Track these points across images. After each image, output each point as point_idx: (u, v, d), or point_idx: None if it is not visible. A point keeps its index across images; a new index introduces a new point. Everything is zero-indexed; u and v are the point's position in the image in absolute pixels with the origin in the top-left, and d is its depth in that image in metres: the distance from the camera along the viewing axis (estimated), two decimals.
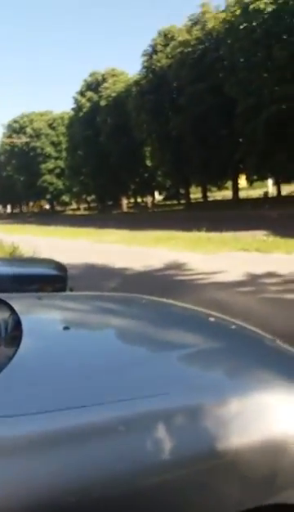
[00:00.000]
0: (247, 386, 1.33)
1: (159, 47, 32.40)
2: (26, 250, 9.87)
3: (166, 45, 31.93)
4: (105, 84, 39.80)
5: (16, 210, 74.00)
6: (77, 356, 1.55)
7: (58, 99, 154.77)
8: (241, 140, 25.29)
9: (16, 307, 1.87)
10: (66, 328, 1.71)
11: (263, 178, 31.63)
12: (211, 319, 2.13)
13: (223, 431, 1.13)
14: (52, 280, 3.91)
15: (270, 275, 7.00)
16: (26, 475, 0.97)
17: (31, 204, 68.58)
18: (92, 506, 0.98)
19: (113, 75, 41.03)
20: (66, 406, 1.13)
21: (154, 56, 32.33)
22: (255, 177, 30.06)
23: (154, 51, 32.78)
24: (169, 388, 1.28)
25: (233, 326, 2.02)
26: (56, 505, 0.95)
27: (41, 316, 2.13)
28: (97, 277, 7.78)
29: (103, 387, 1.28)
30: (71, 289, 3.94)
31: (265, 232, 12.07)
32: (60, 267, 4.38)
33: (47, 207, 66.19)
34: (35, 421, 1.07)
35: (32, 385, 1.27)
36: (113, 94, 38.10)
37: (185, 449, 1.09)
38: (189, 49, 27.89)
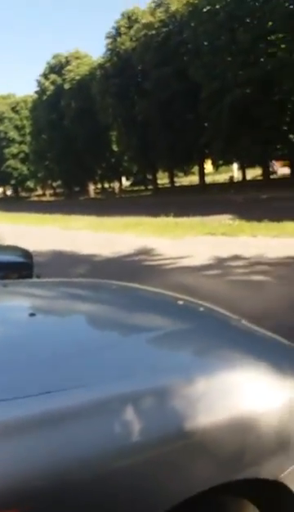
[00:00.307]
0: (214, 365, 1.35)
1: (123, 30, 32.04)
2: None
3: (130, 27, 31.59)
4: (69, 67, 39.06)
5: None
6: (43, 342, 1.54)
7: (21, 82, 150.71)
8: (206, 124, 25.40)
9: None
10: (32, 314, 1.70)
11: (228, 163, 31.94)
12: (179, 302, 2.13)
13: (191, 411, 1.14)
14: (18, 267, 3.90)
15: (236, 258, 7.12)
16: None
17: None
18: (63, 492, 0.98)
19: (77, 58, 40.28)
20: (33, 393, 1.11)
21: (118, 39, 31.97)
22: (220, 162, 30.33)
23: (118, 34, 32.39)
24: (136, 370, 1.29)
25: (201, 308, 2.03)
26: (28, 490, 0.95)
27: (6, 303, 2.10)
28: (65, 264, 7.73)
29: (70, 372, 1.27)
30: (38, 276, 3.91)
31: (230, 216, 12.24)
32: (25, 253, 4.36)
33: (9, 192, 64.88)
34: (2, 409, 1.06)
35: None
36: (77, 77, 37.49)
37: (154, 430, 1.09)
38: (153, 32, 27.74)
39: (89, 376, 1.23)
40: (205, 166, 33.06)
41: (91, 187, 44.62)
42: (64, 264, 7.69)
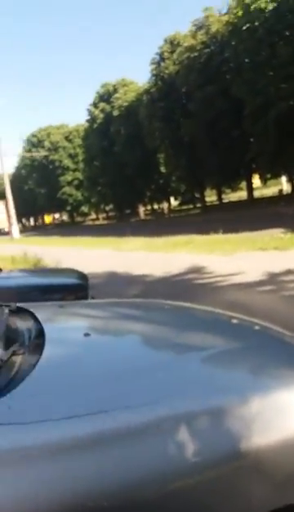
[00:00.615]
0: (269, 385, 1.34)
1: (166, 55, 32.74)
2: (49, 261, 10.09)
3: (172, 52, 32.22)
4: (117, 95, 40.30)
5: (39, 222, 75.29)
6: (98, 361, 1.57)
7: (73, 112, 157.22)
8: (252, 140, 25.23)
9: (39, 316, 1.89)
10: (87, 334, 1.73)
11: (276, 176, 31.42)
12: (233, 320, 2.12)
13: (246, 431, 1.14)
14: (74, 289, 3.97)
15: (290, 272, 6.98)
16: (51, 481, 0.98)
17: (52, 216, 69.75)
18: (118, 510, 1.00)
19: (124, 85, 41.53)
20: (90, 412, 1.13)
21: (162, 64, 32.71)
22: (268, 176, 29.89)
23: (162, 59, 33.16)
24: (191, 390, 1.30)
25: (256, 327, 2.01)
26: (81, 509, 0.97)
27: (62, 324, 2.14)
28: (118, 285, 7.89)
29: (126, 391, 1.28)
30: (93, 298, 3.98)
31: (281, 230, 11.96)
32: (81, 276, 4.45)
33: (64, 218, 67.10)
34: (60, 427, 1.09)
35: (55, 391, 1.28)
36: (125, 104, 38.57)
37: (209, 450, 1.10)
38: (195, 54, 28.10)
39: (143, 396, 1.24)
40: (253, 181, 32.75)
41: (141, 209, 45.26)
42: (117, 285, 7.87)
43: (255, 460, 1.12)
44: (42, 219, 73.84)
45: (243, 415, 1.19)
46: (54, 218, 72.52)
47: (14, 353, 1.48)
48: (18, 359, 1.47)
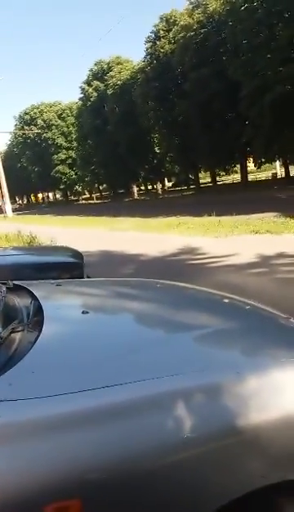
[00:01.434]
0: (264, 364, 1.36)
1: (162, 33, 32.21)
2: (44, 239, 10.06)
3: (168, 30, 31.66)
4: (111, 73, 39.66)
5: (32, 201, 74.94)
6: (96, 338, 1.59)
7: (66, 89, 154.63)
8: (247, 123, 25.05)
9: (37, 294, 1.90)
10: (85, 312, 1.76)
11: (271, 160, 31.30)
12: (226, 300, 2.14)
13: (242, 408, 1.16)
14: (70, 267, 3.96)
15: (282, 255, 7.00)
16: (52, 455, 1.01)
17: (45, 194, 69.32)
18: (120, 484, 1.03)
19: (118, 63, 40.90)
20: (88, 387, 1.15)
21: (158, 42, 32.14)
22: (262, 160, 29.77)
23: (157, 37, 32.58)
24: (187, 367, 1.31)
25: (248, 306, 2.02)
26: (88, 480, 1.01)
27: (60, 302, 2.15)
28: (113, 264, 7.91)
29: (123, 368, 1.30)
30: (88, 276, 3.97)
31: (274, 214, 11.99)
32: (76, 254, 4.42)
33: (58, 196, 66.74)
34: (60, 403, 1.11)
35: (55, 368, 1.30)
36: (119, 82, 38.01)
37: (206, 426, 1.12)
38: (192, 33, 27.67)
39: (141, 372, 1.26)
40: (247, 164, 32.63)
41: (135, 189, 45.04)
42: (112, 264, 7.89)
43: (251, 436, 1.15)
44: (36, 198, 73.40)
45: (239, 392, 1.21)
46: (46, 197, 72.02)
47: (13, 330, 1.50)
48: (17, 336, 1.48)
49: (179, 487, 1.08)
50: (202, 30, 27.37)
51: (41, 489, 0.98)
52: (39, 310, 1.71)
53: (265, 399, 1.22)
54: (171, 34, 31.04)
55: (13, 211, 39.14)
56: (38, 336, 1.45)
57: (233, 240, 9.19)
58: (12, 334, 1.48)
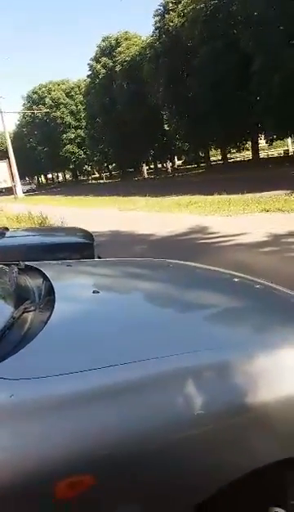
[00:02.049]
0: (274, 342, 1.38)
1: (171, 6, 31.27)
2: (54, 220, 10.10)
3: (177, 3, 30.76)
4: (119, 49, 38.92)
5: (42, 181, 74.98)
6: (107, 318, 1.61)
7: (74, 67, 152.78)
8: (258, 98, 24.52)
9: (48, 274, 1.92)
10: (96, 292, 1.78)
11: (282, 137, 30.72)
12: (237, 279, 2.14)
13: (251, 386, 1.18)
14: (80, 247, 4.01)
15: (293, 234, 7.00)
16: (62, 433, 1.04)
17: (55, 175, 69.22)
18: (132, 460, 1.05)
19: (126, 39, 40.07)
20: (99, 366, 1.17)
21: (166, 16, 31.27)
22: (274, 136, 29.21)
23: (166, 11, 31.69)
24: (198, 345, 1.33)
25: (258, 285, 2.03)
26: (101, 456, 1.03)
27: (71, 282, 2.17)
28: (123, 244, 7.95)
29: (133, 346, 1.32)
30: (99, 257, 3.99)
31: (286, 191, 11.88)
32: (87, 235, 4.46)
33: (68, 176, 66.66)
34: (72, 380, 1.13)
35: (67, 347, 1.33)
36: (128, 59, 37.31)
37: (216, 403, 1.14)
38: (202, 5, 26.85)
39: (151, 350, 1.27)
40: (259, 141, 32.12)
41: (145, 168, 44.69)
42: (122, 244, 7.93)
43: (260, 414, 1.17)
44: (46, 178, 73.28)
45: (249, 370, 1.23)
46: (56, 177, 71.92)
47: (25, 310, 1.52)
48: (29, 316, 1.50)
49: (189, 463, 1.11)
50: (212, 2, 26.55)
51: (54, 465, 1.01)
52: (50, 290, 1.72)
53: (274, 377, 1.24)
54: (180, 7, 30.17)
55: (26, 192, 39.38)
56: (50, 316, 1.47)
57: (243, 219, 9.15)
58: (24, 314, 1.50)
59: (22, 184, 56.89)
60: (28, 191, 48.99)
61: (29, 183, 63.42)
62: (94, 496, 1.03)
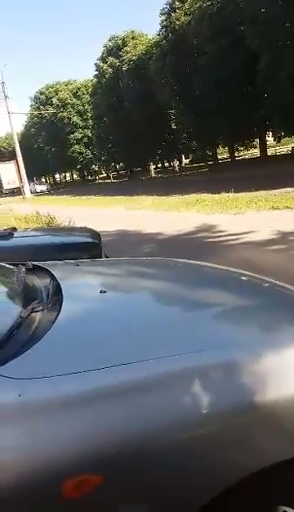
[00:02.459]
0: (281, 341, 1.37)
1: (177, 4, 31.19)
2: (62, 220, 10.13)
3: (183, 1, 30.68)
4: (126, 48, 38.90)
5: (50, 181, 75.17)
6: (114, 317, 1.61)
7: (81, 67, 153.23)
8: (266, 96, 24.40)
9: (56, 274, 1.92)
10: (103, 291, 1.77)
11: (291, 134, 30.49)
12: (244, 277, 2.14)
13: (258, 385, 1.18)
14: (88, 247, 3.98)
15: None
16: (70, 431, 1.04)
17: (62, 175, 69.48)
18: (138, 459, 1.06)
19: (133, 38, 40.03)
20: (108, 365, 1.17)
21: (173, 14, 31.21)
22: (282, 133, 29.03)
23: (172, 9, 31.62)
24: (205, 344, 1.32)
25: (266, 284, 2.02)
26: (98, 457, 1.03)
27: (79, 282, 2.17)
28: (131, 243, 7.95)
29: (140, 346, 1.33)
30: (106, 256, 3.99)
31: None
32: (94, 234, 4.44)
33: (75, 176, 66.92)
34: (80, 380, 1.13)
35: (74, 346, 1.33)
36: (134, 58, 37.28)
37: (223, 403, 1.14)
38: (208, 3, 26.75)
39: (158, 350, 1.27)
40: (267, 138, 31.95)
41: (152, 167, 44.66)
42: (130, 243, 7.93)
43: (267, 413, 1.17)
44: (53, 178, 73.50)
45: (256, 369, 1.23)
46: (63, 177, 72.27)
47: (33, 310, 1.52)
48: (37, 316, 1.51)
49: (195, 463, 1.11)
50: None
51: (61, 464, 1.02)
52: (58, 290, 1.73)
53: (281, 376, 1.24)
54: (186, 5, 30.09)
55: (40, 192, 40.08)
56: (57, 316, 1.48)
57: (251, 217, 9.11)
58: (32, 314, 1.50)
59: (38, 184, 57.97)
60: (41, 191, 49.68)
61: (44, 183, 64.41)
62: (101, 495, 1.03)
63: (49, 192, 49.56)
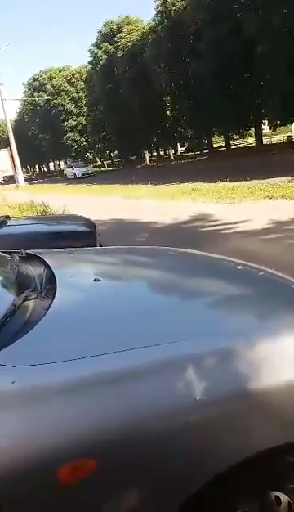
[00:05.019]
0: (275, 329, 1.38)
1: None
2: (56, 209, 10.09)
3: None
4: (120, 34, 38.37)
5: (44, 169, 74.69)
6: (108, 305, 1.62)
7: (75, 53, 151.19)
8: (262, 83, 24.22)
9: (50, 262, 1.92)
10: (97, 280, 1.78)
11: (286, 123, 30.33)
12: (238, 266, 2.13)
13: (252, 372, 1.19)
14: (82, 236, 3.99)
15: None
16: (66, 418, 1.05)
17: (57, 163, 68.94)
18: (135, 444, 1.07)
19: (128, 24, 39.44)
20: (102, 352, 1.18)
21: (168, 0, 30.70)
22: (278, 122, 28.89)
23: None
24: (199, 332, 1.35)
25: (261, 273, 2.02)
26: (93, 442, 1.04)
27: (73, 270, 2.17)
28: (126, 232, 7.94)
29: (135, 333, 1.33)
30: (100, 245, 3.98)
31: (290, 178, 11.81)
32: (89, 223, 4.45)
33: (63, 166, 66.39)
34: (73, 367, 1.14)
35: (67, 334, 1.34)
36: (129, 44, 36.78)
37: (216, 389, 1.15)
38: None
39: (152, 337, 1.28)
40: (262, 127, 31.80)
41: (147, 155, 44.41)
42: (125, 232, 7.92)
43: (259, 399, 1.18)
44: (47, 166, 72.93)
45: (250, 356, 1.24)
46: (58, 166, 71.57)
47: (26, 298, 1.52)
48: (30, 304, 1.51)
49: (189, 448, 1.12)
50: None
51: (56, 449, 1.03)
52: (52, 278, 1.73)
53: (276, 363, 1.26)
54: None
55: (25, 180, 38.78)
56: (51, 303, 1.48)
57: (247, 206, 9.13)
58: (26, 302, 1.50)
59: (77, 166, 43.63)
60: (26, 180, 46.58)
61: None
62: (96, 480, 1.04)
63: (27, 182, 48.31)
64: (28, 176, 55.35)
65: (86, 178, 34.87)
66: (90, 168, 42.01)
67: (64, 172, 41.38)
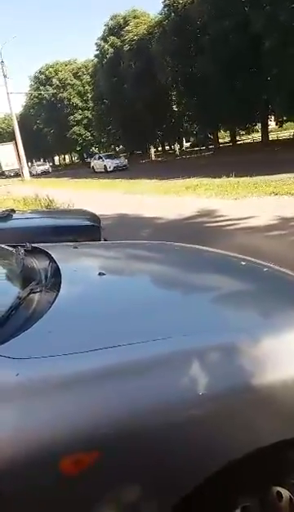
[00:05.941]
0: (279, 325, 1.39)
1: None
2: (61, 202, 10.10)
3: None
4: (127, 27, 38.15)
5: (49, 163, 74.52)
6: (112, 299, 1.63)
7: (82, 47, 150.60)
8: (269, 79, 24.05)
9: (55, 256, 1.94)
10: (101, 274, 1.79)
11: (293, 119, 30.11)
12: (243, 262, 2.13)
13: (255, 368, 1.19)
14: (87, 230, 4.00)
15: None
16: (69, 410, 1.06)
17: (62, 157, 68.82)
18: (139, 437, 1.07)
19: (135, 17, 39.20)
20: (104, 346, 1.19)
21: None
22: (284, 118, 28.71)
23: None
24: (203, 327, 1.35)
25: (265, 269, 2.02)
26: (95, 434, 1.05)
27: (78, 264, 2.18)
28: (130, 227, 7.94)
29: (139, 327, 1.34)
30: (105, 239, 4.00)
31: None
32: (93, 217, 4.45)
33: (74, 159, 66.22)
34: (77, 360, 1.15)
35: (72, 327, 1.35)
36: (136, 38, 36.55)
37: (219, 384, 1.16)
38: None
39: (156, 331, 1.28)
40: (269, 123, 31.61)
41: (152, 150, 44.27)
42: (129, 227, 7.92)
43: (264, 394, 1.18)
44: (53, 160, 72.86)
45: (253, 352, 1.24)
46: (63, 159, 71.43)
47: (31, 291, 1.53)
48: (35, 297, 1.52)
49: (192, 442, 1.12)
50: None
51: (60, 441, 1.04)
52: (57, 272, 1.74)
53: (279, 359, 1.26)
54: None
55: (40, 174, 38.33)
56: (56, 297, 1.49)
57: (252, 202, 9.09)
58: (31, 295, 1.51)
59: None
60: (43, 172, 47.03)
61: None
62: (98, 472, 1.05)
63: (48, 173, 48.73)
64: (44, 169, 53.40)
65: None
66: (123, 160, 35.25)
67: (92, 164, 36.18)
